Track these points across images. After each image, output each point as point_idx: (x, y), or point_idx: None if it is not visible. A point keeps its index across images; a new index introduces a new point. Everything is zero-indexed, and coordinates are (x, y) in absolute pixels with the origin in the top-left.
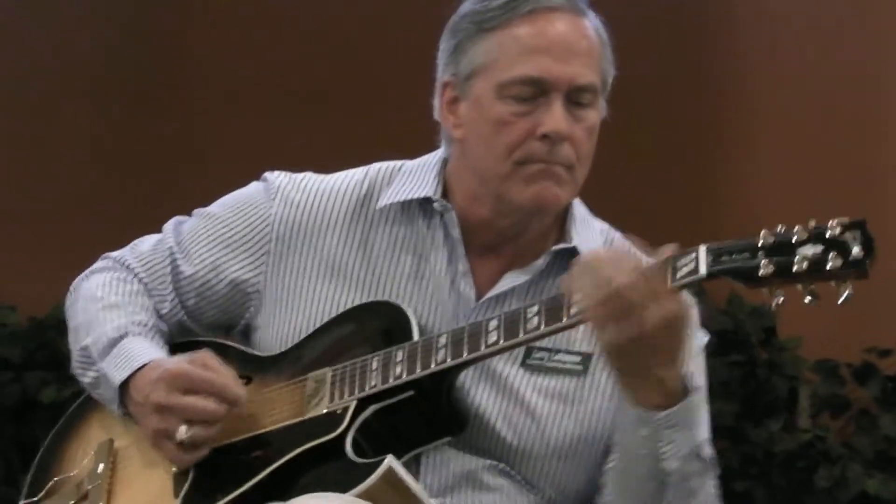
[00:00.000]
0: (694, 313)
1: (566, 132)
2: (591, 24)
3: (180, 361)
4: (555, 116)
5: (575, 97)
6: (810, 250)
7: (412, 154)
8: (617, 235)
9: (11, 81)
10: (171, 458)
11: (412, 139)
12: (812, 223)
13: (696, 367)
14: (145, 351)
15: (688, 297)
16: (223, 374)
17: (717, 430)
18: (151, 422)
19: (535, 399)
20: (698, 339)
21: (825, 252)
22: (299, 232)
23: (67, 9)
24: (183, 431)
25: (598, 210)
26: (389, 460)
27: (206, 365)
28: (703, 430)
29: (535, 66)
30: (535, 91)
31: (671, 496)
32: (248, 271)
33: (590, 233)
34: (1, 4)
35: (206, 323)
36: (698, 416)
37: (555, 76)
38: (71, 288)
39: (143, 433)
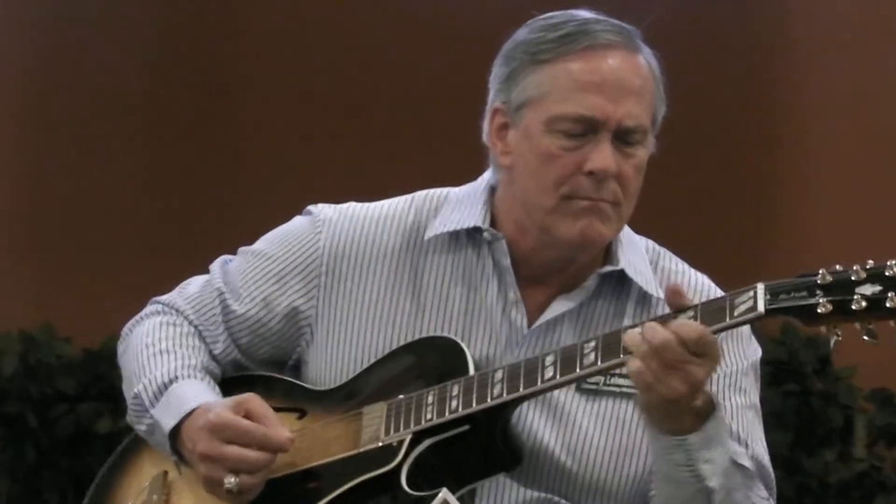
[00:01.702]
0: (746, 330)
1: (613, 171)
2: (645, 60)
3: (224, 409)
4: (603, 154)
5: (624, 136)
6: (869, 289)
7: (458, 175)
8: (662, 252)
9: (66, 117)
10: (225, 501)
11: (460, 162)
12: (870, 262)
13: (748, 383)
14: (195, 396)
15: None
16: (267, 421)
17: (772, 460)
18: (200, 469)
19: (592, 424)
20: (753, 352)
21: (884, 291)
22: (349, 263)
23: (118, 44)
24: (229, 481)
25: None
26: (444, 494)
27: (249, 412)
28: (756, 444)
29: (587, 104)
30: (585, 128)
31: None
32: (301, 303)
33: (635, 253)
34: (51, 42)
35: (259, 360)
36: (724, 428)
37: (605, 115)
38: (122, 335)
39: (196, 477)
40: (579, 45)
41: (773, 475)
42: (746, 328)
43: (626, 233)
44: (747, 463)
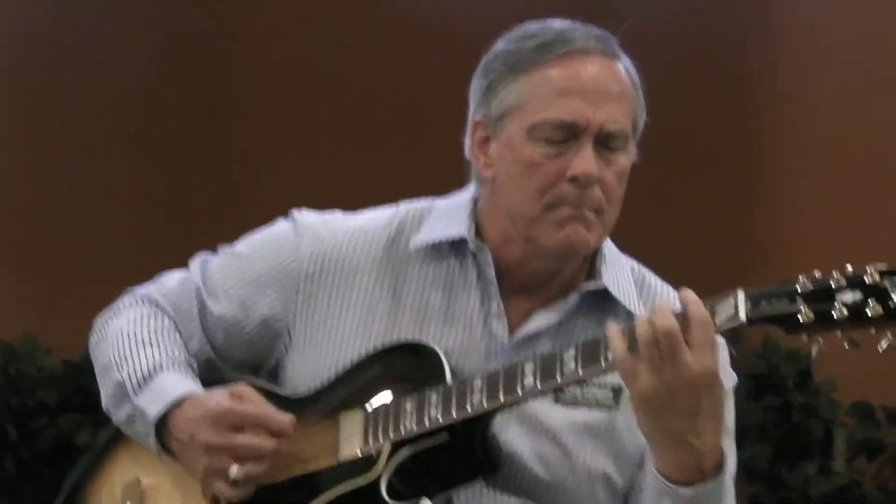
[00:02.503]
0: (724, 356)
1: (596, 175)
2: (624, 67)
3: (222, 398)
4: (585, 159)
5: (605, 141)
6: (850, 297)
7: (452, 177)
8: (647, 273)
9: (55, 126)
10: (224, 495)
11: (445, 173)
12: (849, 269)
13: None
14: (181, 385)
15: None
16: (266, 406)
17: (753, 474)
18: (201, 462)
19: (567, 433)
20: (728, 379)
21: (865, 299)
22: (329, 272)
23: (110, 49)
24: (235, 471)
25: (633, 251)
26: None
27: (247, 398)
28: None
29: (567, 109)
30: (567, 134)
31: None
32: (278, 309)
33: (620, 271)
34: (44, 45)
35: (234, 362)
36: (728, 495)
37: (586, 120)
38: (96, 326)
39: (190, 471)
40: (557, 52)
41: None
42: (726, 356)
43: (612, 251)
44: None
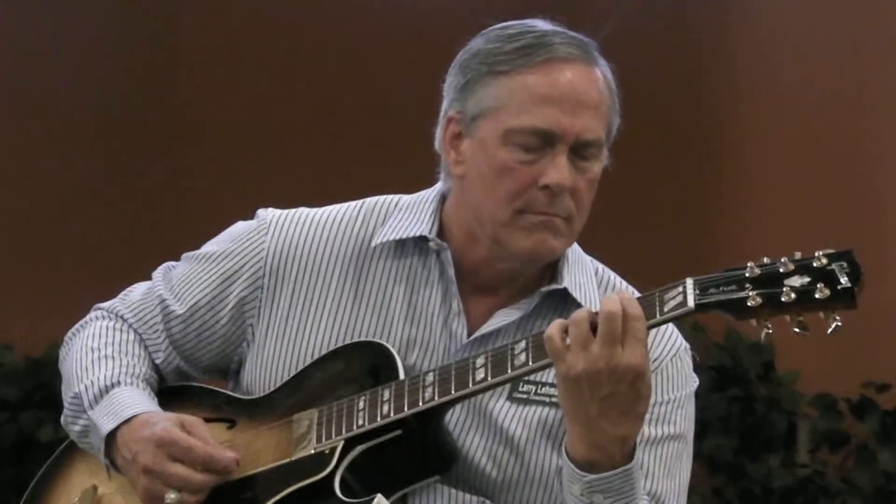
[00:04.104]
0: (688, 361)
1: (569, 185)
2: (602, 73)
3: (170, 425)
4: (559, 169)
5: (580, 150)
6: (797, 281)
7: (409, 181)
8: (611, 275)
9: (9, 125)
10: None
11: (411, 170)
12: (797, 255)
13: (680, 416)
14: (135, 403)
15: (673, 344)
16: (209, 444)
17: (716, 466)
18: (140, 481)
19: (520, 432)
20: (690, 384)
21: (812, 283)
22: (293, 267)
23: (64, 49)
24: (170, 497)
25: (591, 244)
26: (379, 500)
27: (194, 433)
28: (668, 479)
29: (544, 117)
30: (542, 141)
31: None
32: (246, 302)
33: (582, 273)
34: (5, 51)
35: (203, 367)
36: (637, 486)
37: (563, 129)
38: (65, 340)
39: (133, 487)
40: (538, 57)
41: None
42: (689, 361)
43: (575, 251)
44: None
